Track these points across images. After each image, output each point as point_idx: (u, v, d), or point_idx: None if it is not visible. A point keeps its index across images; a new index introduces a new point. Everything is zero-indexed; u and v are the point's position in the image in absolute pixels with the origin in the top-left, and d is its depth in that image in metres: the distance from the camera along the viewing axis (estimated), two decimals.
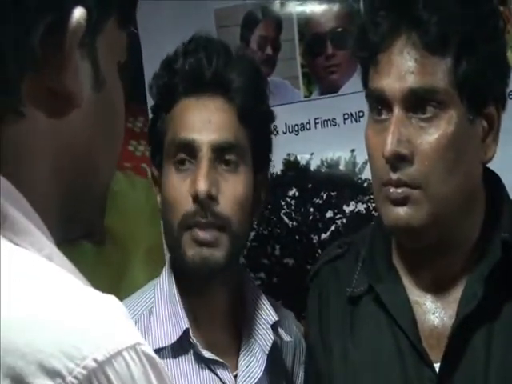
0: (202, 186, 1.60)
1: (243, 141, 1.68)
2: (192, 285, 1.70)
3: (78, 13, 0.80)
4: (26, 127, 0.81)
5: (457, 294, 1.55)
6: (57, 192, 0.86)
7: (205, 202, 1.61)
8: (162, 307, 1.70)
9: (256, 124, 1.71)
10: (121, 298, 1.67)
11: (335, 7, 2.30)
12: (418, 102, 1.48)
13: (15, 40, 0.78)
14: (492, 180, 1.60)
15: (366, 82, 1.58)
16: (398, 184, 1.48)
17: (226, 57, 1.68)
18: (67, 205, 0.88)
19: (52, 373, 0.70)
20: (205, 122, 1.65)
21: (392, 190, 1.49)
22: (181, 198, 1.64)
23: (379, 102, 1.52)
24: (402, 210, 1.49)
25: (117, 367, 0.72)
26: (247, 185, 1.68)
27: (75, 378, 0.70)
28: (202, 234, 1.62)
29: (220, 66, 1.66)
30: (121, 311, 0.78)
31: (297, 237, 2.33)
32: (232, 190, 1.65)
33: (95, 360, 0.71)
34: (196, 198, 1.61)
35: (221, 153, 1.64)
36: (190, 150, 1.64)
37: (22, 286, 0.74)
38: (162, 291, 1.72)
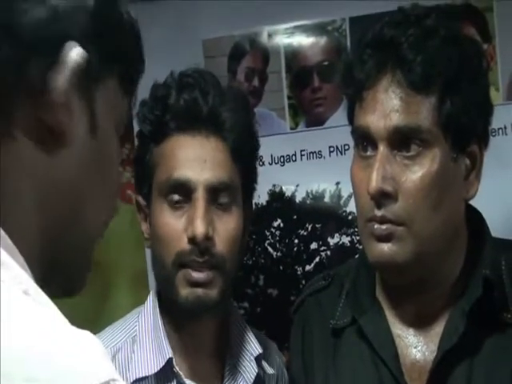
0: (200, 228, 1.59)
1: (236, 179, 1.67)
2: (181, 317, 1.70)
3: (77, 52, 0.82)
4: (15, 153, 0.82)
5: (438, 328, 1.56)
6: (38, 230, 0.86)
7: (202, 244, 1.60)
8: (145, 336, 1.70)
9: (246, 160, 1.71)
10: (103, 325, 1.69)
11: (322, 41, 2.31)
12: (402, 139, 1.49)
13: (13, 69, 0.80)
14: (474, 217, 1.61)
15: (351, 118, 1.58)
16: (383, 220, 1.49)
17: (219, 94, 1.67)
18: (47, 248, 0.87)
19: None
20: (200, 161, 1.63)
21: (376, 226, 1.50)
22: (175, 237, 1.62)
23: (364, 139, 1.53)
24: (386, 247, 1.50)
25: None
26: (239, 223, 1.68)
27: None
28: (196, 275, 1.61)
29: (215, 105, 1.65)
30: (96, 347, 0.78)
31: (281, 267, 2.32)
32: (226, 229, 1.64)
33: None
34: (193, 239, 1.60)
35: (214, 193, 1.63)
36: (184, 189, 1.63)
37: None
38: (146, 320, 1.72)
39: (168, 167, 1.65)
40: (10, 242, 0.81)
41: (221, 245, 1.63)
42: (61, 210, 0.87)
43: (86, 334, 0.78)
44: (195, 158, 1.64)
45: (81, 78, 0.83)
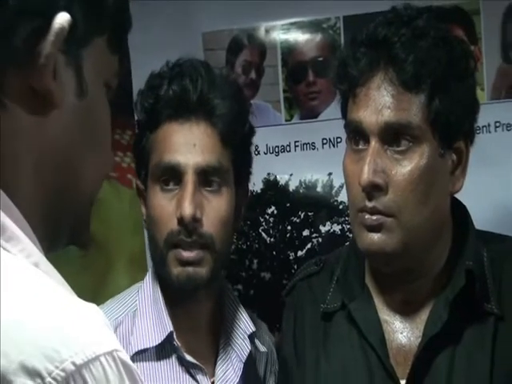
0: (187, 209, 1.59)
1: (226, 163, 1.66)
2: (176, 296, 1.69)
3: (61, 17, 0.81)
4: (8, 123, 0.82)
5: (424, 316, 1.57)
6: (39, 196, 0.86)
7: (189, 225, 1.60)
8: (146, 309, 1.69)
9: (237, 145, 1.70)
10: (104, 301, 1.68)
11: (317, 38, 2.31)
12: (393, 135, 1.49)
13: (1, 37, 0.79)
14: (459, 210, 1.62)
15: (344, 113, 1.58)
16: (373, 211, 1.49)
17: (209, 81, 1.66)
18: (50, 210, 0.88)
19: (32, 373, 0.71)
20: (189, 146, 1.63)
21: (367, 216, 1.50)
22: (166, 217, 1.63)
23: (357, 133, 1.53)
24: (375, 236, 1.50)
25: (94, 371, 0.73)
26: (229, 204, 1.68)
27: (54, 379, 0.71)
28: (186, 254, 1.61)
29: (204, 92, 1.64)
30: (100, 319, 0.79)
31: (274, 252, 2.33)
32: (215, 210, 1.64)
33: (73, 363, 0.72)
34: (181, 221, 1.60)
35: (204, 176, 1.63)
36: (175, 172, 1.63)
37: (8, 291, 0.75)
38: (147, 295, 1.71)
39: (160, 152, 1.65)
40: (18, 213, 0.82)
41: (210, 226, 1.63)
42: (57, 170, 0.87)
43: (92, 306, 0.79)
44: (185, 143, 1.64)
45: (67, 42, 0.83)
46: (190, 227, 1.61)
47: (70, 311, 0.77)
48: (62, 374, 0.71)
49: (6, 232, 0.79)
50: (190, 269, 1.62)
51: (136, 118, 1.77)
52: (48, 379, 0.71)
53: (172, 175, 1.64)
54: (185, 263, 1.62)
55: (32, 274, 0.79)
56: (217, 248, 1.65)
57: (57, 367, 0.72)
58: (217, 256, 1.65)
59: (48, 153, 0.85)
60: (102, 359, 0.74)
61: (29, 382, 0.71)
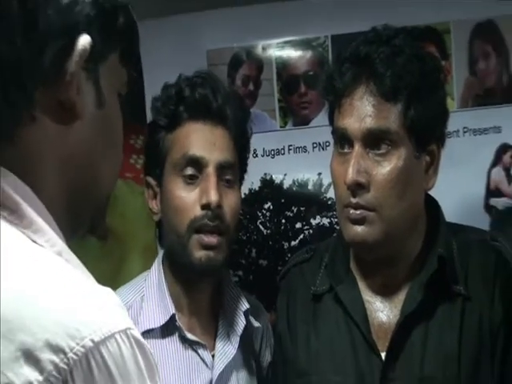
0: (213, 196, 1.61)
1: (236, 161, 1.70)
2: (187, 279, 1.70)
3: (84, 40, 0.83)
4: (38, 132, 0.83)
5: (401, 296, 1.58)
6: (63, 195, 0.87)
7: (215, 210, 1.62)
8: (152, 295, 1.70)
9: (243, 147, 1.74)
10: (120, 286, 1.69)
11: (308, 54, 2.29)
12: (374, 140, 1.50)
13: (31, 57, 0.80)
14: (432, 204, 1.62)
15: (332, 120, 1.59)
16: (357, 207, 1.51)
17: (225, 94, 1.69)
18: (72, 205, 0.89)
19: (56, 349, 0.71)
20: (211, 144, 1.65)
21: (352, 211, 1.51)
22: (189, 206, 1.63)
23: (342, 138, 1.54)
24: (359, 228, 1.51)
25: (110, 347, 0.74)
26: (239, 198, 1.71)
27: (75, 354, 0.72)
28: (207, 239, 1.62)
29: (222, 102, 1.67)
30: (116, 301, 0.79)
31: (270, 242, 2.32)
32: (230, 202, 1.66)
33: (92, 340, 0.73)
34: (206, 206, 1.62)
35: (222, 170, 1.65)
36: (198, 165, 1.64)
37: (35, 276, 0.76)
38: (153, 282, 1.72)
39: (183, 147, 1.66)
40: (44, 208, 0.83)
41: (227, 214, 1.65)
42: (78, 171, 0.88)
43: (108, 290, 0.80)
44: (207, 140, 1.67)
45: (87, 61, 0.84)
46: (215, 212, 1.62)
47: (89, 295, 0.78)
48: (82, 349, 0.72)
49: (33, 225, 0.80)
50: (211, 253, 1.63)
51: (149, 121, 1.78)
52: (70, 354, 0.71)
53: (195, 166, 1.65)
54: (206, 247, 1.63)
55: (55, 262, 0.80)
56: (231, 235, 1.67)
57: (77, 344, 0.72)
58: (230, 243, 1.68)
59: (71, 156, 0.87)
60: (117, 336, 0.75)
61: (53, 357, 0.71)
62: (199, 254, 1.63)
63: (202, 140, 1.67)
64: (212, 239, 1.63)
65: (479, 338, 1.53)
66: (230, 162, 1.67)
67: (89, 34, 0.84)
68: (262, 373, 1.81)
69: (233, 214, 1.67)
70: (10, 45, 0.80)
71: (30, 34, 0.80)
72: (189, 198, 1.64)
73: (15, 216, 0.80)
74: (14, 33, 0.80)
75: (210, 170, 1.64)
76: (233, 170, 1.69)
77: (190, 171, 1.65)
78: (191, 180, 1.65)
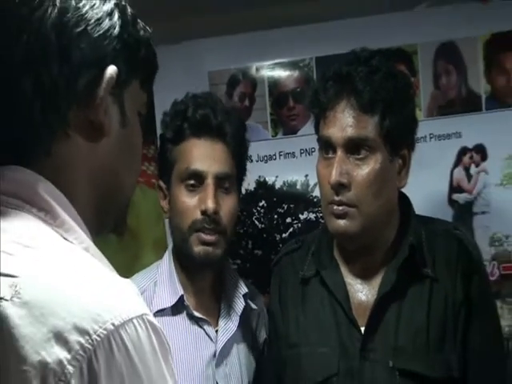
0: (211, 204, 1.62)
1: (234, 172, 1.69)
2: (190, 268, 1.71)
3: (111, 69, 0.84)
4: (70, 147, 0.84)
5: (378, 279, 1.58)
6: (91, 200, 0.88)
7: (211, 215, 1.63)
8: (163, 280, 1.71)
9: (241, 159, 1.73)
10: (134, 274, 1.69)
11: (295, 73, 2.29)
12: (354, 146, 1.50)
13: (66, 83, 0.81)
14: (404, 200, 1.62)
15: (317, 130, 1.59)
16: (340, 203, 1.51)
17: (224, 112, 1.69)
18: (99, 209, 0.89)
19: (82, 331, 0.72)
20: (210, 158, 1.66)
21: (335, 207, 1.52)
22: (191, 210, 1.64)
23: (327, 145, 1.54)
24: (341, 222, 1.51)
25: (128, 330, 0.74)
26: (236, 202, 1.70)
27: (98, 336, 0.72)
28: (206, 237, 1.63)
29: (221, 120, 1.67)
30: (133, 290, 0.80)
31: (264, 235, 2.32)
32: (227, 206, 1.66)
33: (113, 324, 0.73)
34: (204, 212, 1.63)
35: (220, 181, 1.66)
36: (199, 177, 1.65)
37: (65, 268, 0.76)
38: (164, 269, 1.73)
39: (187, 161, 1.67)
40: (74, 210, 0.84)
41: (224, 217, 1.65)
42: (105, 183, 0.89)
43: (127, 280, 0.80)
44: (207, 156, 1.66)
45: (114, 87, 0.85)
46: (211, 217, 1.63)
47: (111, 284, 0.78)
48: (105, 332, 0.72)
49: (64, 225, 0.82)
50: (209, 248, 1.64)
51: (158, 134, 1.78)
52: (94, 336, 0.72)
53: (196, 179, 1.65)
54: (205, 243, 1.64)
55: (83, 257, 0.81)
56: (228, 234, 1.67)
57: (100, 327, 0.73)
58: (227, 240, 1.68)
59: (99, 168, 0.88)
60: (135, 321, 0.75)
61: (80, 338, 0.72)
62: (198, 249, 1.64)
63: (202, 155, 1.67)
64: (210, 237, 1.64)
65: (445, 313, 1.53)
66: (228, 173, 1.67)
67: (115, 64, 0.85)
68: (258, 347, 1.81)
69: (229, 216, 1.67)
70: (48, 74, 0.81)
71: (65, 64, 0.82)
72: (190, 204, 1.65)
73: (49, 216, 0.81)
74: (52, 63, 0.81)
75: (209, 181, 1.65)
76: (230, 180, 1.69)
77: (191, 182, 1.66)
78: (193, 188, 1.66)
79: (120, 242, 2.41)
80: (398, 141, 1.53)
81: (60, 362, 0.71)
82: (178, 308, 1.68)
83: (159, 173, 1.79)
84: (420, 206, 1.71)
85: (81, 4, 0.84)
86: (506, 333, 2.04)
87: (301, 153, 2.28)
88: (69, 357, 0.71)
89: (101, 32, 0.84)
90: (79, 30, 0.83)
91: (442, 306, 1.53)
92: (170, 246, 1.78)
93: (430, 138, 2.20)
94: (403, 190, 1.62)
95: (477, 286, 1.55)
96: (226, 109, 1.73)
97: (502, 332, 1.66)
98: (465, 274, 1.55)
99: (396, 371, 1.50)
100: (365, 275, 1.61)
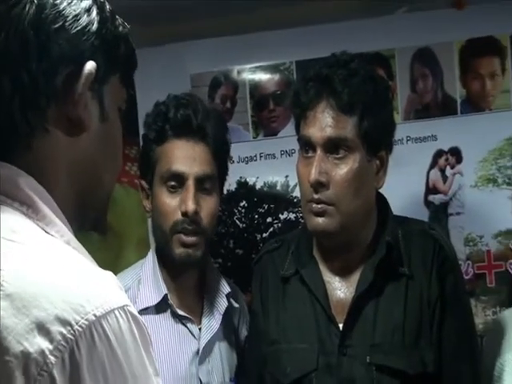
0: (191, 206, 1.61)
1: (215, 172, 1.69)
2: (173, 268, 1.71)
3: (90, 65, 0.84)
4: (50, 142, 0.83)
5: (356, 277, 1.58)
6: (71, 194, 0.87)
7: (192, 216, 1.62)
8: (147, 279, 1.70)
9: (222, 160, 1.73)
10: (117, 273, 1.68)
11: (276, 77, 2.29)
12: (333, 146, 1.51)
13: (45, 80, 0.81)
14: (381, 200, 1.63)
15: (298, 130, 1.59)
16: (319, 202, 1.51)
17: (205, 113, 1.68)
18: (80, 203, 0.89)
19: (64, 322, 0.72)
20: (191, 159, 1.65)
21: (314, 205, 1.52)
22: (172, 211, 1.64)
23: (307, 145, 1.55)
24: (320, 220, 1.52)
25: (110, 321, 0.74)
26: (217, 203, 1.70)
27: (80, 326, 0.72)
28: (186, 239, 1.63)
29: (202, 121, 1.66)
30: (115, 282, 0.79)
31: (245, 235, 2.31)
32: (208, 207, 1.66)
33: (95, 315, 0.73)
34: (185, 213, 1.62)
35: (201, 182, 1.65)
36: (180, 178, 1.64)
37: (47, 261, 0.76)
38: (148, 268, 1.73)
39: (168, 162, 1.66)
40: (55, 204, 0.83)
41: (204, 218, 1.65)
42: (85, 177, 0.89)
43: (108, 272, 0.80)
44: (188, 157, 1.66)
45: (93, 83, 0.85)
46: (191, 218, 1.62)
47: (92, 276, 0.78)
48: (86, 322, 0.72)
49: (46, 218, 0.81)
50: (189, 250, 1.64)
51: (142, 133, 1.77)
52: (76, 327, 0.72)
53: (177, 180, 1.65)
54: (185, 245, 1.64)
55: (64, 250, 0.80)
56: (208, 235, 1.67)
57: (82, 318, 0.72)
58: (207, 241, 1.68)
59: (79, 162, 0.87)
60: (116, 312, 0.75)
61: (62, 329, 0.72)
62: (179, 251, 1.64)
63: (183, 156, 1.66)
64: (190, 239, 1.64)
65: (420, 311, 1.54)
66: (208, 174, 1.67)
67: (94, 60, 0.85)
68: (240, 345, 1.81)
69: (210, 217, 1.67)
70: (26, 71, 0.81)
71: (44, 60, 0.81)
72: (171, 205, 1.65)
73: (31, 210, 0.81)
74: (30, 60, 0.81)
75: (190, 183, 1.64)
76: (211, 181, 1.68)
77: (172, 183, 1.66)
78: (174, 189, 1.65)
79: (102, 241, 2.39)
80: (375, 142, 1.53)
81: (42, 352, 0.71)
82: (161, 306, 1.68)
83: (141, 173, 1.77)
84: (397, 207, 1.71)
85: (58, 1, 0.83)
86: (480, 330, 2.05)
87: (281, 154, 2.28)
88: (51, 347, 0.71)
89: (79, 28, 0.84)
90: (57, 26, 0.82)
91: (417, 304, 1.54)
92: (154, 245, 1.77)
93: (407, 140, 2.21)
94: (381, 190, 1.63)
95: (451, 284, 1.57)
96: (208, 109, 1.72)
97: (475, 328, 1.68)
98: (440, 273, 1.56)
99: (373, 367, 1.51)
100: (343, 273, 1.61)
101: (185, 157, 1.66)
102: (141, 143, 1.79)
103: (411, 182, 2.19)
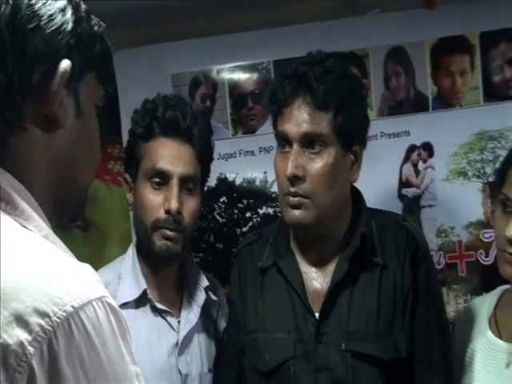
0: (174, 205, 1.63)
1: (198, 173, 1.70)
2: (154, 262, 1.72)
3: (65, 63, 0.84)
4: (27, 139, 0.83)
5: (331, 267, 1.59)
6: (49, 189, 0.87)
7: (174, 215, 1.64)
8: (127, 274, 1.71)
9: (206, 162, 1.74)
10: (100, 268, 1.68)
11: (254, 76, 2.30)
12: (309, 141, 1.52)
13: (21, 78, 0.81)
14: (356, 194, 1.64)
15: (275, 126, 1.60)
16: (295, 195, 1.52)
17: (193, 115, 1.69)
18: (58, 197, 0.89)
19: (42, 314, 0.72)
20: (177, 159, 1.66)
21: (291, 198, 1.53)
22: (155, 208, 1.65)
23: (284, 140, 1.56)
24: (297, 212, 1.53)
25: (87, 312, 0.74)
26: (199, 204, 1.71)
27: (58, 318, 0.72)
28: (168, 233, 1.64)
29: (189, 123, 1.67)
30: (93, 274, 0.80)
31: (225, 229, 2.32)
32: (190, 207, 1.67)
33: (72, 306, 0.73)
34: (168, 211, 1.63)
35: (185, 182, 1.66)
36: (164, 176, 1.65)
37: (26, 255, 0.76)
38: (128, 263, 1.74)
39: (154, 159, 1.67)
40: (33, 199, 0.83)
41: (186, 217, 1.66)
42: (63, 172, 0.89)
43: (86, 265, 0.80)
44: (173, 156, 1.67)
45: (68, 80, 0.85)
46: (175, 217, 1.64)
47: (70, 269, 0.78)
48: (64, 314, 0.72)
49: (24, 214, 0.81)
50: (169, 243, 1.65)
51: (123, 137, 1.78)
52: (54, 318, 0.72)
53: (161, 177, 1.66)
54: (166, 238, 1.65)
55: (42, 244, 0.80)
56: (188, 232, 1.68)
57: (60, 309, 0.72)
58: (188, 237, 1.69)
59: (56, 158, 0.87)
60: (94, 303, 0.75)
61: (40, 320, 0.72)
62: (160, 243, 1.65)
63: (169, 155, 1.67)
64: (171, 233, 1.65)
65: (393, 299, 1.56)
66: (192, 175, 1.68)
67: (69, 58, 0.85)
68: (218, 336, 1.82)
69: (191, 216, 1.68)
70: (2, 70, 0.80)
71: (19, 60, 0.81)
72: (155, 202, 1.66)
73: (10, 206, 0.81)
74: (6, 60, 0.80)
75: (174, 182, 1.65)
76: (194, 181, 1.69)
77: (157, 180, 1.66)
78: (158, 186, 1.66)
79: (85, 237, 2.40)
80: (350, 137, 1.55)
81: (21, 344, 0.71)
82: (141, 301, 1.69)
83: (126, 166, 1.78)
84: (371, 200, 1.73)
85: (33, 1, 0.83)
86: (452, 317, 2.07)
87: (259, 151, 2.29)
88: (29, 338, 0.71)
89: (54, 27, 0.84)
90: (32, 26, 0.82)
91: (391, 292, 1.56)
92: (134, 239, 1.78)
93: (381, 136, 2.22)
94: (357, 184, 1.64)
95: (423, 273, 1.58)
96: (195, 112, 1.73)
97: (446, 316, 1.70)
98: (412, 262, 1.57)
99: (348, 353, 1.53)
100: (319, 264, 1.62)
101: (170, 156, 1.67)
102: (124, 142, 1.80)
103: (385, 176, 2.20)
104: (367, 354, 1.52)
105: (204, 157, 1.72)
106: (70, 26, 0.86)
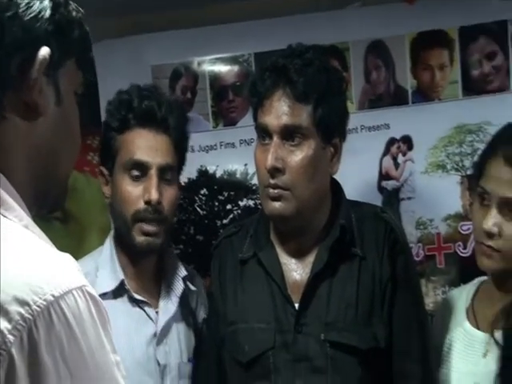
0: (154, 195, 1.63)
1: (176, 162, 1.70)
2: (133, 254, 1.72)
3: (44, 51, 0.83)
4: (8, 128, 0.83)
5: (311, 259, 1.60)
6: (30, 179, 0.87)
7: (154, 205, 1.64)
8: (105, 265, 1.71)
9: (182, 151, 1.74)
10: (79, 259, 1.67)
11: (235, 68, 2.30)
12: (289, 133, 1.52)
13: (1, 67, 0.80)
14: (336, 186, 1.65)
15: (255, 118, 1.61)
16: (275, 187, 1.53)
17: (168, 105, 1.69)
18: (37, 188, 0.88)
19: (22, 303, 0.72)
20: (154, 149, 1.66)
21: (271, 190, 1.54)
22: (134, 199, 1.65)
23: (264, 132, 1.56)
24: (277, 204, 1.54)
25: (68, 301, 0.74)
26: (177, 193, 1.72)
27: (38, 306, 0.72)
28: (147, 227, 1.64)
29: (165, 113, 1.67)
30: (73, 263, 0.80)
31: (206, 221, 2.32)
32: (169, 196, 1.67)
33: (53, 295, 0.73)
34: (148, 202, 1.63)
35: (163, 172, 1.66)
36: (142, 167, 1.65)
37: (6, 244, 0.76)
38: (106, 254, 1.74)
39: (131, 151, 1.66)
40: (13, 189, 0.83)
41: (166, 207, 1.66)
42: (44, 161, 0.88)
43: (67, 255, 0.80)
44: (151, 147, 1.66)
45: (47, 68, 0.84)
46: (154, 207, 1.64)
47: (51, 258, 0.78)
48: (44, 303, 0.72)
49: (5, 204, 0.81)
50: (150, 238, 1.65)
51: (103, 120, 1.76)
52: (34, 307, 0.72)
53: (140, 169, 1.65)
54: (146, 234, 1.65)
55: (23, 234, 0.80)
56: (168, 223, 1.69)
57: (40, 298, 0.72)
58: (167, 229, 1.69)
59: (36, 146, 0.87)
60: (74, 292, 0.75)
61: (20, 309, 0.72)
62: (140, 239, 1.65)
63: (146, 146, 1.66)
64: (151, 227, 1.65)
65: (372, 290, 1.57)
66: (170, 165, 1.68)
67: (48, 45, 0.84)
68: (197, 326, 1.82)
69: (171, 206, 1.68)
70: None
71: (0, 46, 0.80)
72: (134, 193, 1.65)
73: None
74: None
75: (153, 172, 1.65)
76: (172, 171, 1.69)
77: (135, 172, 1.66)
78: (137, 178, 1.66)
79: (64, 229, 2.39)
80: (329, 130, 1.55)
81: (1, 332, 0.71)
82: (119, 291, 1.69)
83: (101, 159, 1.77)
84: (351, 192, 1.74)
85: None
86: (430, 308, 2.09)
87: (240, 143, 2.29)
88: (9, 327, 0.71)
89: (32, 15, 0.83)
90: (10, 14, 0.81)
91: (369, 283, 1.57)
92: (112, 231, 1.78)
93: (361, 129, 2.24)
94: (337, 177, 1.65)
95: (402, 264, 1.60)
96: (170, 101, 1.73)
97: (425, 306, 1.71)
98: (391, 254, 1.59)
99: (327, 343, 1.54)
100: (299, 255, 1.63)
101: (148, 146, 1.66)
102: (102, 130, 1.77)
103: (365, 168, 2.22)
104: (346, 344, 1.53)
105: (181, 146, 1.72)
106: (47, 13, 0.85)
